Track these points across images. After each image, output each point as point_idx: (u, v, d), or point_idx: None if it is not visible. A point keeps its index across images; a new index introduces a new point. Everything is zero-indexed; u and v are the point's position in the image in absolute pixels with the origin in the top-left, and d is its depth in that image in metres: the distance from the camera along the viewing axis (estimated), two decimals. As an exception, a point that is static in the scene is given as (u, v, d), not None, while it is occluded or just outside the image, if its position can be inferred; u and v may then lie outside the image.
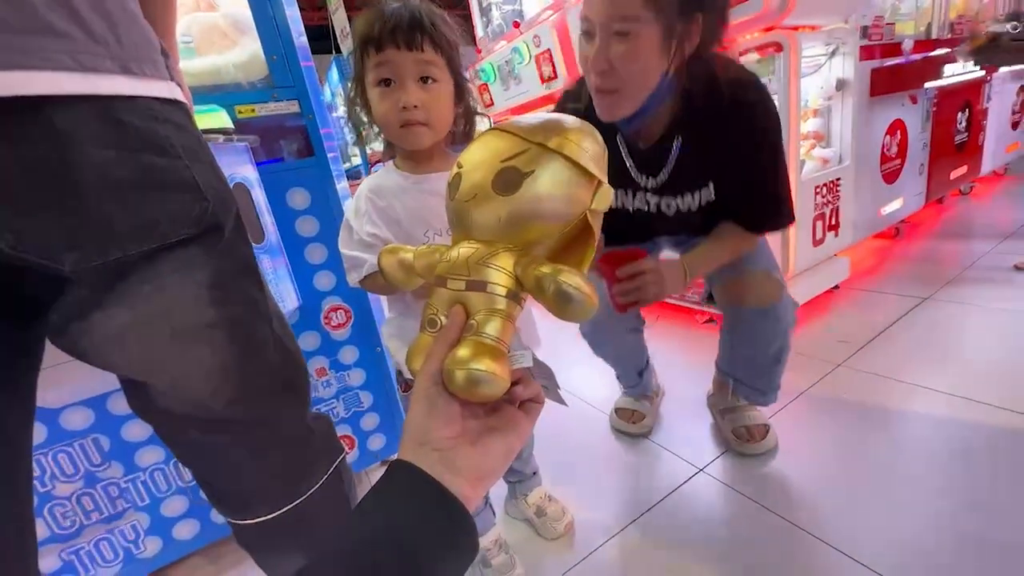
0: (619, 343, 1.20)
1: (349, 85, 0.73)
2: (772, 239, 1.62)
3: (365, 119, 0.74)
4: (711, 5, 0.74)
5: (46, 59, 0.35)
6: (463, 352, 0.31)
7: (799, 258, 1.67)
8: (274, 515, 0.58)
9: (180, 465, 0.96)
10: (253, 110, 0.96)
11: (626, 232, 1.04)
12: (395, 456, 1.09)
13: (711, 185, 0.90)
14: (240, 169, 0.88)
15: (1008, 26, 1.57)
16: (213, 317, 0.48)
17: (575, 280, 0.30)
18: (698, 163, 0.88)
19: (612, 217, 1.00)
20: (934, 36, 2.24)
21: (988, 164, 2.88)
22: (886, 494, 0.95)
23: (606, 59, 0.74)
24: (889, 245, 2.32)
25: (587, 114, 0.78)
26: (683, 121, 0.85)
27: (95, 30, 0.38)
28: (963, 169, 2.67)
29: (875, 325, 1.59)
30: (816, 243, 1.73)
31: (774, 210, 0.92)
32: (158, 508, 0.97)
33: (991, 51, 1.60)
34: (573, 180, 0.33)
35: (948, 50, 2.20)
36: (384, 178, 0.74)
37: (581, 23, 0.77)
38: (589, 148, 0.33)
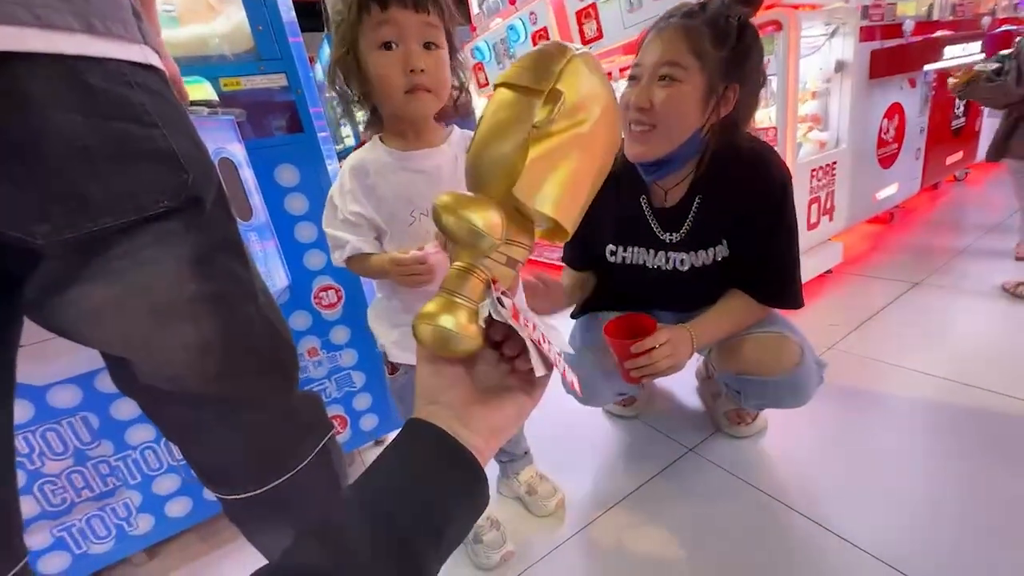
0: (608, 400, 1.21)
1: (334, 49, 0.67)
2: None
3: (354, 90, 0.69)
4: (748, 82, 0.81)
5: None
6: (426, 307, 0.30)
7: (793, 242, 1.67)
8: (261, 491, 0.58)
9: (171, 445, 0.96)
10: (239, 82, 0.93)
11: (640, 294, 1.03)
12: (389, 435, 1.10)
13: (725, 243, 0.91)
14: (226, 144, 0.86)
15: (991, 69, 1.63)
16: (194, 293, 0.47)
17: (443, 198, 0.28)
18: (715, 222, 0.90)
19: (630, 275, 0.99)
20: (935, 18, 2.21)
21: (984, 150, 2.88)
22: (874, 475, 0.96)
23: (648, 98, 0.79)
24: (883, 230, 2.33)
25: (620, 171, 0.89)
26: (704, 183, 0.89)
27: None
28: (959, 155, 2.67)
29: (867, 309, 1.60)
30: (811, 227, 1.73)
31: (787, 287, 0.91)
32: (150, 486, 0.97)
33: (971, 87, 1.70)
34: (508, 104, 0.30)
35: (949, 32, 2.17)
36: (369, 154, 0.72)
37: (631, 69, 0.84)
38: (525, 62, 0.30)
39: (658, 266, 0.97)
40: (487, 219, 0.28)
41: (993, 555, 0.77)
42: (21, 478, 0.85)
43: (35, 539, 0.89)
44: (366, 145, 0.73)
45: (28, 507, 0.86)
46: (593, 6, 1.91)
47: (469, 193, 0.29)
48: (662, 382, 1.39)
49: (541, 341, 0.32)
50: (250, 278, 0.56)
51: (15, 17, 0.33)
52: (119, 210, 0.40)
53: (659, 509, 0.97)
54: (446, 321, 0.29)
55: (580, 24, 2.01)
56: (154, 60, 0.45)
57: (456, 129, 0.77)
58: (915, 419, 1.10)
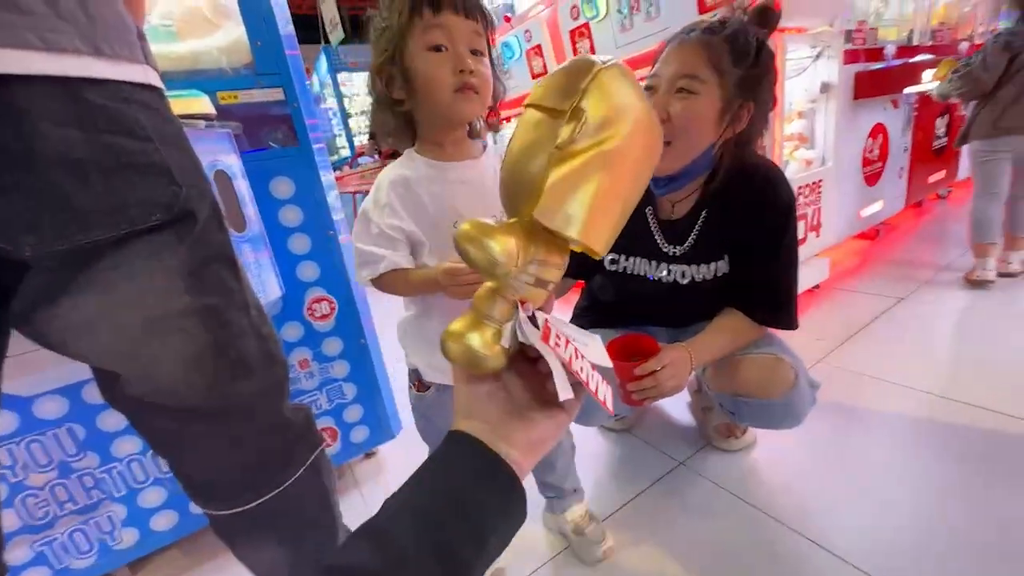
0: (604, 421, 1.22)
1: (376, 54, 0.66)
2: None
3: (396, 95, 0.67)
4: (761, 102, 0.83)
5: (8, 36, 0.33)
6: (454, 325, 0.31)
7: (781, 257, 1.70)
8: (250, 506, 0.57)
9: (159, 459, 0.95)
10: (236, 96, 0.94)
11: (635, 308, 1.05)
12: (380, 447, 1.08)
13: (726, 259, 0.92)
14: (222, 156, 0.87)
15: (962, 62, 1.76)
16: (187, 305, 0.47)
17: (464, 226, 0.29)
18: (718, 238, 0.91)
19: (628, 285, 1.00)
20: (915, 43, 2.29)
21: (965, 169, 2.96)
22: (860, 489, 0.98)
23: (665, 109, 0.80)
24: (869, 246, 2.37)
25: None
26: (711, 199, 0.90)
27: (64, 7, 0.37)
28: (941, 173, 2.74)
29: (853, 324, 1.62)
30: (798, 243, 1.76)
31: (783, 309, 0.92)
32: (135, 499, 0.96)
33: (945, 86, 1.80)
34: (533, 125, 0.30)
35: (930, 56, 2.25)
36: (406, 167, 0.70)
37: (647, 80, 0.85)
38: (551, 80, 0.30)
39: (658, 278, 0.97)
40: (504, 247, 0.28)
41: (980, 569, 0.78)
42: (2, 491, 0.84)
43: (14, 554, 0.87)
44: (400, 159, 0.72)
45: (9, 521, 0.85)
46: (586, 25, 1.96)
47: (490, 221, 0.30)
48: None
49: (573, 358, 0.32)
50: (242, 291, 0.56)
51: (25, 41, 0.34)
52: (111, 222, 0.41)
53: (649, 523, 0.97)
54: (472, 340, 0.30)
55: (574, 43, 2.06)
56: (154, 79, 0.46)
57: (490, 143, 0.77)
58: (901, 433, 1.12)
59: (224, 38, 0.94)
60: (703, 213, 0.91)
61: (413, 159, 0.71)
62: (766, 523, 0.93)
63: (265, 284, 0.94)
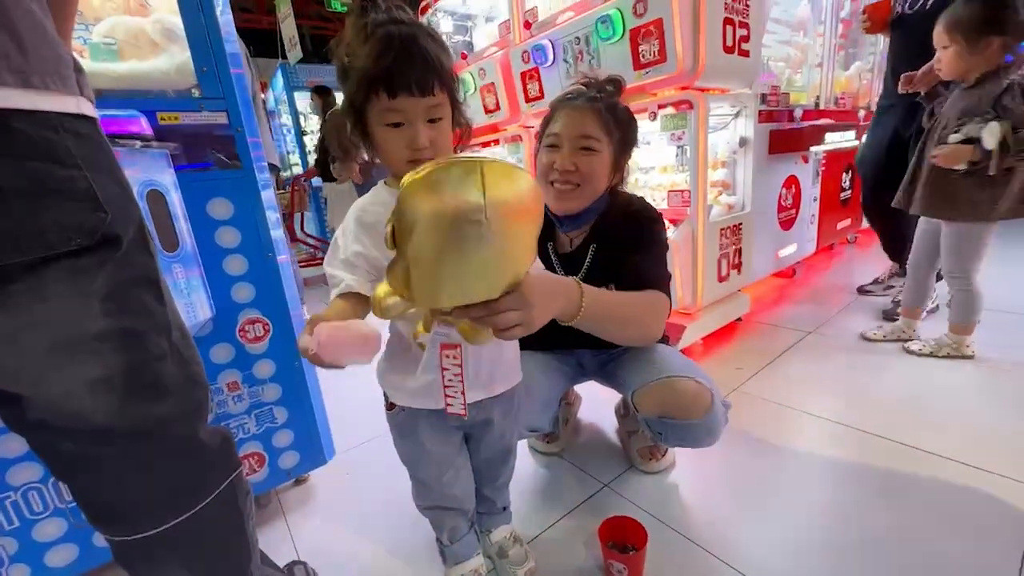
0: (521, 436, 1.22)
1: (344, 101, 0.69)
2: (683, 273, 1.79)
3: (356, 146, 0.72)
4: (629, 155, 1.06)
5: None
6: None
7: (706, 292, 1.85)
8: (158, 530, 0.57)
9: (61, 484, 0.89)
10: (177, 117, 0.95)
11: (554, 330, 1.11)
12: (311, 473, 1.08)
13: (612, 286, 1.03)
14: (156, 175, 0.87)
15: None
16: (101, 328, 0.48)
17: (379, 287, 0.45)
18: (606, 266, 1.06)
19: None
20: (822, 107, 2.61)
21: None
22: (769, 510, 1.07)
23: (573, 163, 0.99)
24: (787, 284, 2.62)
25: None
26: (599, 233, 1.07)
27: None
28: (847, 221, 3.08)
29: (767, 355, 1.78)
30: (721, 279, 1.92)
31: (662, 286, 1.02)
32: (29, 532, 0.89)
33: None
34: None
35: (831, 121, 2.57)
36: (374, 197, 0.75)
37: (546, 139, 1.03)
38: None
39: None
40: (379, 305, 0.56)
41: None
42: None
43: None
44: (372, 190, 0.76)
45: None
46: (536, 69, 2.09)
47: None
48: (586, 420, 1.47)
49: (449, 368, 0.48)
50: (164, 313, 0.57)
51: None
52: (27, 247, 0.42)
53: (572, 545, 1.02)
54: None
55: (524, 84, 2.19)
56: (87, 110, 0.48)
57: None
58: (804, 457, 1.23)
59: (168, 61, 0.95)
60: (592, 246, 1.07)
61: (379, 191, 0.76)
62: (679, 542, 0.99)
63: (195, 304, 0.93)
